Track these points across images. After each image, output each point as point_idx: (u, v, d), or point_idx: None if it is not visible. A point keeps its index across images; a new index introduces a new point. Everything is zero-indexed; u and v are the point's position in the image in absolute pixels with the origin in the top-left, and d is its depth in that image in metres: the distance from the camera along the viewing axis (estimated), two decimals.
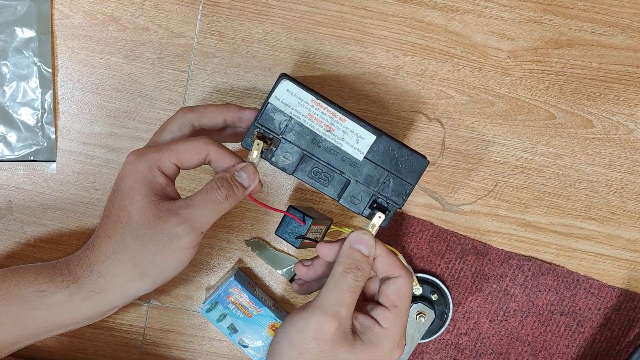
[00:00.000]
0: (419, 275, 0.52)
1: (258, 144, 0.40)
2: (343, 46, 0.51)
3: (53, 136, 0.51)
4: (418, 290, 0.50)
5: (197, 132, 0.42)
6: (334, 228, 0.48)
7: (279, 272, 0.53)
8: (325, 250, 0.41)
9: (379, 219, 0.41)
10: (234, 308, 0.51)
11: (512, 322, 0.53)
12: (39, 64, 0.50)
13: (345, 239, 0.41)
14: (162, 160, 0.38)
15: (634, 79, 0.51)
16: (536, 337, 0.53)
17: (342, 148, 0.41)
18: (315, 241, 0.44)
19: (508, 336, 0.53)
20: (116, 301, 0.39)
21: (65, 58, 0.51)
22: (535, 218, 0.52)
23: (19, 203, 0.52)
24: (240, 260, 0.53)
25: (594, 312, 0.53)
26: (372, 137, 0.41)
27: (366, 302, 0.41)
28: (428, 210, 0.52)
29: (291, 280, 0.53)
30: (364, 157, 0.41)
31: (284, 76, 0.40)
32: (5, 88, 0.50)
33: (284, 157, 0.41)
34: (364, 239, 0.40)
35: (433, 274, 0.53)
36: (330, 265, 0.43)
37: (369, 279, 0.41)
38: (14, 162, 0.51)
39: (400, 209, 0.41)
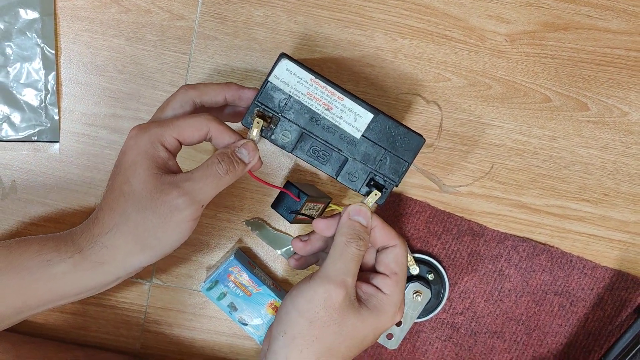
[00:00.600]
0: (416, 255, 0.53)
1: (258, 122, 0.41)
2: (343, 29, 0.51)
3: (56, 117, 0.52)
4: (415, 270, 0.51)
5: (198, 110, 0.43)
6: (332, 207, 0.49)
7: (278, 252, 0.54)
8: (322, 226, 0.42)
9: (375, 195, 0.42)
10: (234, 287, 0.52)
11: (507, 302, 0.54)
12: (42, 45, 0.51)
13: (340, 214, 0.42)
14: (164, 135, 0.39)
15: (628, 63, 0.52)
16: (530, 317, 0.54)
17: (340, 126, 0.42)
18: (311, 217, 0.45)
19: (503, 315, 0.54)
20: (119, 272, 0.40)
21: (68, 40, 0.51)
22: (531, 200, 0.53)
23: (22, 183, 0.53)
24: (240, 240, 0.54)
25: (587, 292, 0.54)
26: (369, 116, 0.41)
27: (364, 273, 0.42)
28: (425, 192, 0.53)
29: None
30: (362, 136, 0.42)
31: (283, 55, 0.41)
32: (9, 69, 0.51)
33: (283, 135, 0.42)
34: (361, 210, 0.41)
35: (430, 255, 0.54)
36: (326, 240, 0.44)
37: None
38: (17, 143, 0.52)
39: (396, 186, 0.42)
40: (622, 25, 0.51)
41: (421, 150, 0.52)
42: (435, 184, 0.53)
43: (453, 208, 0.53)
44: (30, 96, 0.51)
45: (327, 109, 0.41)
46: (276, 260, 0.55)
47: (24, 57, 0.51)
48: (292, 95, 0.41)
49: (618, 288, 0.54)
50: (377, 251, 0.43)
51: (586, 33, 0.51)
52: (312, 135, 0.42)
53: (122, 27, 0.51)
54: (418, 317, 0.53)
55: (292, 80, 0.41)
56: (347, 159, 0.42)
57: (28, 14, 0.50)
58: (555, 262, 0.53)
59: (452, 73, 0.52)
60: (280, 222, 0.54)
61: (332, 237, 0.42)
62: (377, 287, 0.41)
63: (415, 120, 0.52)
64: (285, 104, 0.41)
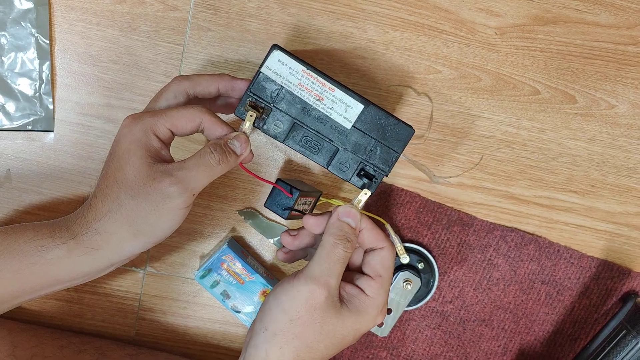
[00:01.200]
0: (406, 244, 0.54)
1: (251, 115, 0.41)
2: (335, 21, 0.52)
3: (51, 106, 0.52)
4: (405, 259, 0.52)
5: (192, 100, 0.43)
6: (323, 200, 0.49)
7: (271, 240, 0.55)
8: (312, 223, 0.43)
9: (364, 195, 0.43)
10: (227, 275, 0.53)
11: (495, 291, 0.55)
12: (36, 35, 0.51)
13: (330, 212, 0.42)
14: (157, 124, 0.39)
15: (616, 56, 0.53)
16: (518, 305, 0.55)
17: (331, 117, 0.42)
18: (304, 213, 0.46)
19: (491, 304, 0.55)
20: (112, 258, 0.41)
21: (63, 30, 0.52)
22: (519, 191, 0.54)
23: (17, 172, 0.53)
24: (233, 229, 0.55)
25: (574, 281, 0.55)
26: (360, 107, 0.42)
27: (350, 272, 0.43)
28: (416, 183, 0.54)
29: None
30: (352, 126, 0.42)
31: (275, 47, 0.42)
32: (3, 58, 0.51)
33: (275, 125, 0.42)
34: (351, 212, 0.42)
35: (420, 244, 0.55)
36: (315, 237, 0.44)
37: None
38: (12, 132, 0.53)
39: (386, 176, 0.43)
40: (610, 19, 0.52)
41: (412, 142, 0.53)
42: (426, 175, 0.54)
43: (443, 198, 0.54)
44: (24, 85, 0.52)
45: (318, 100, 0.42)
46: (269, 249, 0.55)
47: (19, 46, 0.51)
48: (284, 86, 0.42)
49: (604, 277, 0.55)
50: (365, 252, 0.43)
51: (575, 27, 0.52)
52: (303, 125, 0.42)
53: (117, 17, 0.51)
54: (408, 306, 0.54)
55: (284, 71, 0.42)
56: (338, 149, 0.43)
57: (22, 4, 0.50)
58: (542, 252, 0.54)
59: (442, 65, 0.53)
60: (271, 212, 0.55)
61: (321, 235, 0.42)
62: (360, 289, 0.41)
63: (406, 112, 0.53)
64: (277, 94, 0.42)
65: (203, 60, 0.52)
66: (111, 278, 0.55)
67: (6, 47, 0.51)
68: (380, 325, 0.54)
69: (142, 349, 0.55)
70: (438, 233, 0.55)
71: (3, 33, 0.51)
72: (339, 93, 0.42)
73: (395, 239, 0.51)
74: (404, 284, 0.53)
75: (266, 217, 0.55)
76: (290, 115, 0.42)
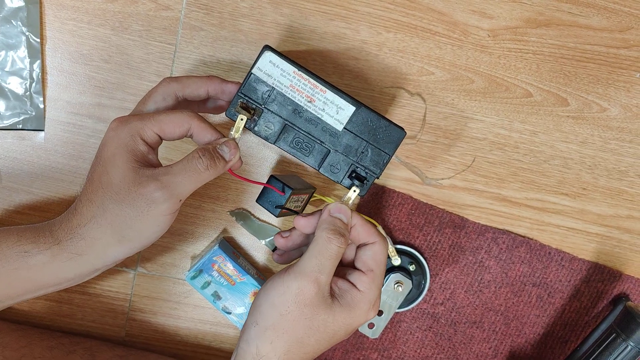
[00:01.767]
0: (398, 246, 0.54)
1: (242, 119, 0.41)
2: (328, 22, 0.52)
3: (41, 106, 0.52)
4: (397, 261, 0.52)
5: (181, 103, 0.43)
6: (316, 197, 0.49)
7: (262, 242, 0.55)
8: (303, 224, 0.43)
9: (353, 192, 0.43)
10: (218, 276, 0.52)
11: (487, 293, 0.55)
12: (27, 33, 0.51)
13: (320, 211, 0.42)
14: (144, 128, 0.39)
15: (608, 59, 0.53)
16: (509, 307, 0.55)
17: (322, 118, 0.42)
18: (296, 212, 0.46)
19: (482, 306, 0.55)
20: (97, 264, 0.40)
21: (54, 28, 0.51)
22: (511, 193, 0.54)
23: (7, 171, 0.53)
24: (224, 230, 0.55)
25: (564, 283, 0.55)
26: (351, 108, 0.42)
27: (342, 268, 0.43)
28: (408, 184, 0.54)
29: (274, 250, 0.55)
30: (344, 128, 0.42)
31: (267, 48, 0.42)
32: None
33: (266, 126, 0.42)
34: (342, 208, 0.42)
35: (411, 246, 0.55)
36: (308, 236, 0.44)
37: None
38: (2, 131, 0.52)
39: (377, 178, 0.43)
40: (603, 22, 0.52)
41: (404, 143, 0.53)
42: (418, 177, 0.54)
43: (435, 200, 0.54)
44: (15, 84, 0.51)
45: (309, 101, 0.42)
46: (260, 250, 0.55)
47: (9, 45, 0.51)
48: (275, 88, 0.42)
49: (594, 280, 0.55)
50: (357, 248, 0.43)
51: (567, 29, 0.52)
52: (295, 127, 0.42)
53: (108, 16, 0.51)
54: (399, 307, 0.54)
55: (275, 72, 0.42)
56: (330, 150, 0.43)
57: (13, 2, 0.50)
58: (534, 254, 0.55)
59: (435, 67, 0.53)
60: (264, 213, 0.55)
61: (314, 234, 0.42)
62: (352, 283, 0.41)
63: (399, 114, 0.53)
64: (269, 95, 0.42)
65: (195, 60, 0.52)
66: (101, 278, 0.55)
67: None
68: (371, 326, 0.54)
69: (132, 349, 0.55)
70: (430, 235, 0.55)
71: None
72: (330, 95, 0.42)
73: (387, 241, 0.51)
74: (395, 285, 0.53)
75: (258, 218, 0.54)
76: (281, 117, 0.42)
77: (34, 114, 0.52)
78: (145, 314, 0.56)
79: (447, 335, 0.56)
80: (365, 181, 0.43)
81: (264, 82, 0.42)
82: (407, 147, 0.54)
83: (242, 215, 0.54)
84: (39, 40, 0.51)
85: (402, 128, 0.43)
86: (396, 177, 0.54)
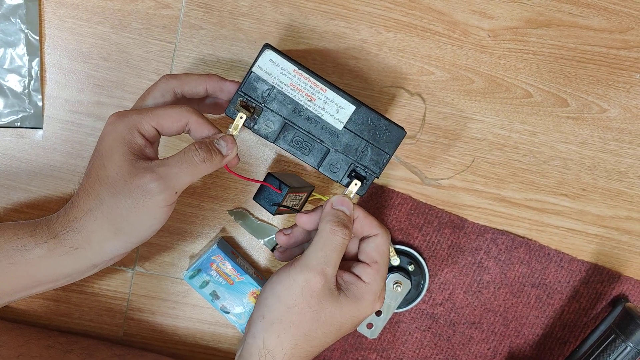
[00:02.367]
0: (397, 246, 0.54)
1: (241, 117, 0.41)
2: (328, 21, 0.52)
3: (40, 103, 0.52)
4: (396, 261, 0.52)
5: (179, 100, 0.43)
6: (315, 195, 0.49)
7: (261, 241, 0.55)
8: (305, 220, 0.43)
9: (355, 186, 0.42)
10: (217, 275, 0.52)
11: (485, 293, 0.55)
12: (26, 31, 0.50)
13: (322, 206, 0.42)
14: (142, 122, 0.39)
15: (608, 60, 0.53)
16: (508, 308, 0.55)
17: (322, 117, 0.42)
18: (294, 209, 0.46)
19: (481, 307, 0.55)
20: (94, 258, 0.40)
21: (53, 26, 0.51)
22: (510, 193, 0.54)
23: (5, 169, 0.52)
24: (223, 230, 0.55)
25: (564, 284, 0.55)
26: (351, 108, 0.42)
27: (347, 261, 0.43)
28: (407, 184, 0.54)
29: (273, 249, 0.55)
30: (344, 127, 0.42)
31: (267, 46, 0.41)
32: None
33: (265, 125, 0.42)
34: (344, 200, 0.42)
35: (411, 246, 0.54)
36: (309, 233, 0.44)
37: None
38: (1, 129, 0.52)
39: (377, 177, 0.43)
40: (603, 23, 0.52)
41: (404, 143, 0.53)
42: (418, 177, 0.54)
43: (434, 200, 0.54)
44: (13, 82, 0.51)
45: (309, 100, 0.42)
46: (259, 250, 0.55)
47: (8, 42, 0.50)
48: (275, 86, 0.42)
49: (593, 281, 0.55)
50: (360, 240, 0.43)
51: (567, 30, 0.52)
52: (294, 126, 0.42)
53: (108, 14, 0.51)
54: (398, 308, 0.54)
55: (275, 71, 0.41)
56: (329, 150, 0.42)
57: None
58: (533, 255, 0.54)
59: (435, 67, 0.52)
60: (263, 212, 0.54)
61: (316, 230, 0.42)
62: (357, 276, 0.41)
63: (399, 113, 0.53)
64: (269, 94, 0.42)
65: (195, 58, 0.52)
66: (99, 277, 0.55)
67: None
68: (370, 326, 0.54)
69: (130, 349, 0.55)
70: (429, 235, 0.55)
71: None
72: (330, 94, 0.42)
73: (389, 232, 0.50)
74: (394, 286, 0.53)
75: (257, 218, 0.54)
76: (281, 116, 0.42)
77: (32, 111, 0.52)
78: (143, 313, 0.55)
79: (446, 336, 0.56)
80: (364, 181, 0.43)
81: (264, 80, 0.42)
82: (406, 147, 0.53)
83: (241, 215, 0.54)
84: (37, 37, 0.51)
85: (402, 127, 0.42)
86: (395, 177, 0.54)
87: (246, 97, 0.42)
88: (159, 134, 0.40)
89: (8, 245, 0.39)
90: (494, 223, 0.55)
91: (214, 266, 0.52)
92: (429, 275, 0.54)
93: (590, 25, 0.52)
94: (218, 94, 0.43)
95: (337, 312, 0.40)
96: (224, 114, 0.46)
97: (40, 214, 0.53)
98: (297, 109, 0.42)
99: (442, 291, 0.55)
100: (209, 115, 0.52)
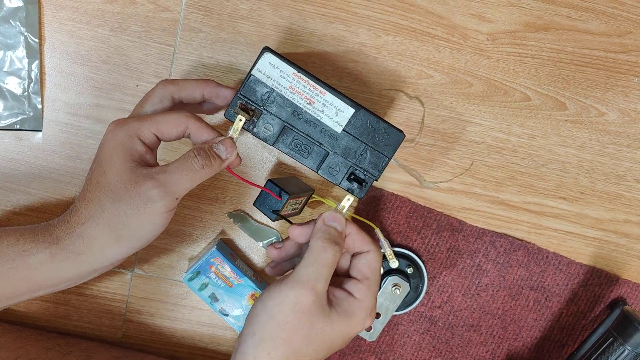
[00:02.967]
0: (396, 249, 0.54)
1: (240, 120, 0.41)
2: (327, 24, 0.52)
3: (39, 106, 0.52)
4: (394, 263, 0.52)
5: (177, 105, 0.43)
6: (315, 198, 0.49)
7: (260, 244, 0.55)
8: (297, 233, 0.43)
9: (347, 200, 0.43)
10: (216, 278, 0.52)
11: (484, 296, 0.55)
12: (25, 33, 0.50)
13: (315, 220, 0.42)
14: (141, 129, 0.39)
15: (606, 64, 0.53)
16: (506, 311, 0.55)
17: (321, 120, 0.42)
18: (293, 213, 0.46)
19: (479, 309, 0.55)
20: (95, 264, 0.40)
21: (52, 29, 0.51)
22: (509, 196, 0.54)
23: (4, 171, 0.53)
24: (222, 232, 0.55)
25: (562, 287, 0.55)
26: (350, 111, 0.42)
27: (338, 277, 0.43)
28: (406, 187, 0.54)
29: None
30: (343, 130, 0.42)
31: (266, 49, 0.42)
32: None
33: (265, 128, 0.42)
34: (336, 216, 0.42)
35: (409, 249, 0.55)
36: (300, 247, 0.44)
37: None
38: (0, 131, 0.52)
39: (376, 180, 0.43)
40: (601, 27, 0.52)
41: (402, 146, 0.53)
42: (416, 180, 0.54)
43: (433, 203, 0.54)
44: (13, 84, 0.51)
45: (309, 103, 0.42)
46: (258, 252, 0.55)
47: (8, 45, 0.50)
48: (275, 89, 0.42)
49: (592, 284, 0.55)
50: (352, 256, 0.43)
51: (566, 34, 0.52)
52: (293, 128, 0.42)
53: (107, 17, 0.51)
54: (397, 310, 0.54)
55: (274, 73, 0.42)
56: (328, 152, 0.43)
57: (12, 2, 0.50)
58: (531, 258, 0.55)
59: (434, 70, 0.53)
60: (262, 215, 0.54)
61: (307, 244, 0.42)
62: (348, 292, 0.41)
63: (398, 116, 0.53)
64: (268, 97, 0.42)
65: (194, 61, 0.52)
66: (98, 279, 0.55)
67: None
68: (369, 329, 0.54)
69: (128, 351, 0.55)
70: (427, 238, 0.55)
71: None
72: (329, 97, 0.42)
73: (385, 244, 0.51)
74: (393, 288, 0.53)
75: (256, 220, 0.54)
76: (280, 119, 0.42)
77: (31, 114, 0.52)
78: (142, 315, 0.55)
79: (445, 339, 0.56)
80: (363, 183, 0.43)
81: (263, 83, 0.42)
82: (405, 150, 0.54)
83: (240, 217, 0.54)
84: (37, 40, 0.51)
85: (401, 131, 0.43)
86: (394, 180, 0.54)
87: (245, 99, 0.42)
88: (159, 140, 0.41)
89: (10, 250, 0.39)
90: (493, 226, 0.55)
91: (213, 268, 0.52)
92: (428, 278, 0.54)
93: (589, 29, 0.52)
94: (214, 100, 0.44)
95: (329, 328, 0.39)
96: (224, 116, 0.46)
97: (40, 216, 0.53)
98: (297, 111, 0.42)
99: (440, 294, 0.55)
100: (210, 117, 0.52)
